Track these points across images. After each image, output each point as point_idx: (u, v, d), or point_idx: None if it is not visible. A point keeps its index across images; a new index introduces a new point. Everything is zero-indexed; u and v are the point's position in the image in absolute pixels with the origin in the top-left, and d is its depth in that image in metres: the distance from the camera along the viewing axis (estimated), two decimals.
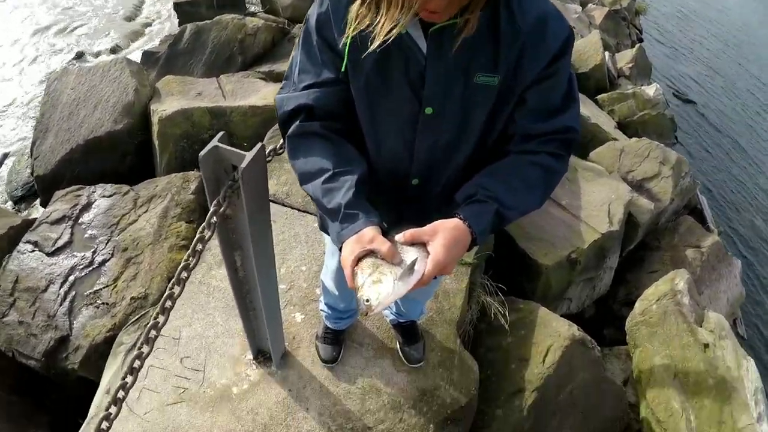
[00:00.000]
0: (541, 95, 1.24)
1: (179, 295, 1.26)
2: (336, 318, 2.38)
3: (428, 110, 1.24)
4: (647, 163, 5.00)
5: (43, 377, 2.99)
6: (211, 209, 1.23)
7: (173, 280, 1.26)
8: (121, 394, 1.29)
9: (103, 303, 2.95)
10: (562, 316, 3.86)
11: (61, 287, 3.04)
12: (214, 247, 2.81)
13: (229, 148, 1.20)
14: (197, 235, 1.24)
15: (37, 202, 4.77)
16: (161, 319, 1.28)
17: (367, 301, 1.07)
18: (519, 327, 3.06)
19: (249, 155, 1.19)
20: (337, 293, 2.12)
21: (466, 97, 1.22)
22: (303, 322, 2.61)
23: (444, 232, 1.13)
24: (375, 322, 2.64)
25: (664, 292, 3.47)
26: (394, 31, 1.05)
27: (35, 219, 3.51)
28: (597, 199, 4.20)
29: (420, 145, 1.31)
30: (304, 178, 1.27)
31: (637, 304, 3.59)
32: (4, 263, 3.18)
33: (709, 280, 4.55)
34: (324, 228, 1.72)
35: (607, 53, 7.45)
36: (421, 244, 1.14)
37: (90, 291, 3.01)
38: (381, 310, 1.10)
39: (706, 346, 3.11)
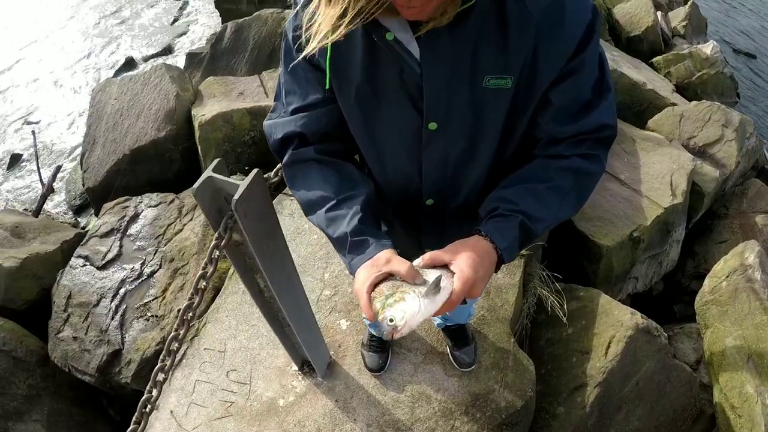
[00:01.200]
0: (567, 93, 1.07)
1: (184, 336, 1.18)
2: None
3: (432, 125, 1.10)
4: (709, 128, 4.69)
5: (101, 390, 3.04)
6: (212, 243, 1.15)
7: (177, 321, 1.18)
8: (148, 408, 1.23)
9: (152, 315, 2.98)
10: (628, 295, 3.75)
11: (112, 301, 3.08)
12: None
13: (222, 178, 1.11)
14: (199, 272, 1.16)
15: (87, 214, 4.97)
16: (170, 357, 1.21)
17: (391, 321, 0.93)
18: (579, 317, 2.92)
19: (242, 185, 1.09)
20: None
21: (474, 106, 1.07)
22: (348, 329, 2.54)
23: (466, 251, 0.99)
24: (423, 325, 2.53)
25: (734, 267, 3.22)
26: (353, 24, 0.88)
27: (87, 231, 3.58)
28: (658, 171, 3.97)
29: (428, 163, 1.18)
30: (308, 209, 1.17)
31: (705, 282, 3.35)
32: (58, 278, 3.24)
33: None
34: None
35: (659, 13, 7.06)
36: (443, 266, 1.00)
37: (140, 303, 3.03)
38: (407, 332, 0.95)
39: None
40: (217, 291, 2.86)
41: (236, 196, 1.08)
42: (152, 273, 3.14)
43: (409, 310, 0.93)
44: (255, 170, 1.14)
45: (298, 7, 1.07)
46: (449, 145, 1.14)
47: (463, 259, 0.98)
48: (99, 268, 3.22)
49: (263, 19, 5.63)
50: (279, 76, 1.20)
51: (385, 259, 1.01)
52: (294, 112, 1.16)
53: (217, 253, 1.15)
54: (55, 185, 5.36)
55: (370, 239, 1.06)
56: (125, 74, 6.55)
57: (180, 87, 4.28)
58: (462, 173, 1.21)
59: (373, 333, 2.36)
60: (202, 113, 3.89)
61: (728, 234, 4.24)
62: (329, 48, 1.02)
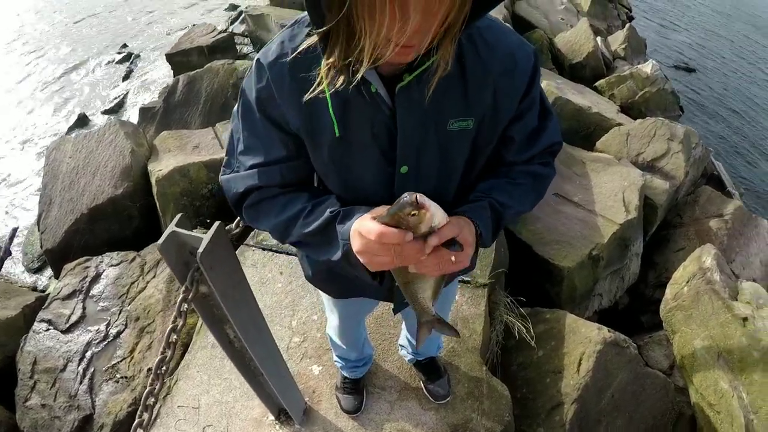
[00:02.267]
0: (524, 126, 1.22)
1: (160, 390, 1.18)
2: (351, 368, 2.31)
3: (403, 169, 1.15)
4: (656, 143, 4.89)
5: None
6: (180, 297, 1.16)
7: (151, 376, 1.18)
8: None
9: (122, 377, 2.91)
10: (595, 312, 3.82)
11: (79, 365, 3.00)
12: None
13: (186, 232, 1.13)
14: (170, 326, 1.17)
15: (46, 276, 4.81)
16: (146, 414, 1.20)
17: (410, 199, 0.91)
18: (547, 338, 2.97)
19: (206, 238, 1.11)
20: (343, 345, 2.06)
21: (441, 147, 1.15)
22: (321, 374, 2.53)
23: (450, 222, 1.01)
24: (395, 362, 2.55)
25: (693, 272, 3.34)
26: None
27: (48, 294, 3.50)
28: (610, 189, 4.11)
29: None
30: (283, 231, 1.18)
31: (667, 290, 3.47)
32: (21, 344, 3.16)
33: (738, 247, 4.41)
34: (313, 280, 1.62)
35: (598, 38, 7.40)
36: None
37: (108, 365, 2.96)
38: (432, 208, 0.93)
39: (745, 319, 2.97)
40: (185, 347, 2.82)
41: (200, 249, 1.10)
42: (118, 333, 3.08)
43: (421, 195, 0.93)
44: (217, 223, 1.16)
45: (263, 65, 1.10)
46: (419, 186, 1.14)
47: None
48: (63, 332, 3.15)
49: (215, 70, 5.68)
50: (231, 131, 1.21)
51: (377, 209, 1.03)
52: (252, 167, 1.17)
53: (186, 306, 1.16)
54: (12, 248, 5.24)
55: (356, 208, 1.10)
56: (79, 132, 6.51)
57: (135, 143, 4.26)
58: None
59: (346, 375, 2.36)
60: (159, 168, 3.88)
61: (685, 241, 4.38)
62: (329, 97, 1.04)
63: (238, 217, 1.27)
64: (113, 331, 3.10)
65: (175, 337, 1.19)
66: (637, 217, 3.96)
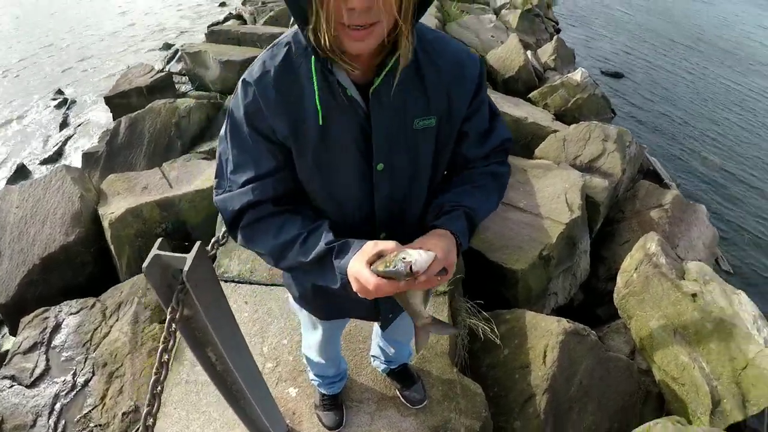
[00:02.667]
0: (477, 125, 1.37)
1: (158, 409, 1.22)
2: (328, 384, 2.36)
3: (380, 166, 1.27)
4: (591, 145, 5.14)
5: None
6: (168, 317, 1.22)
7: (148, 395, 1.22)
8: None
9: (95, 425, 2.86)
10: (552, 311, 3.93)
11: (49, 418, 2.92)
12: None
13: (169, 254, 1.19)
14: (161, 346, 1.22)
15: (6, 330, 4.64)
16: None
17: (404, 259, 1.04)
18: (511, 337, 3.07)
19: (189, 257, 1.18)
20: (323, 361, 2.11)
21: (410, 144, 1.28)
22: (298, 395, 2.56)
23: (431, 239, 1.18)
24: (368, 376, 2.61)
25: (640, 259, 3.54)
26: None
27: (7, 351, 3.40)
28: (552, 192, 4.28)
29: (380, 200, 1.33)
30: (278, 255, 1.26)
31: (618, 279, 3.65)
32: None
33: (680, 233, 4.66)
34: (301, 302, 1.72)
35: (528, 52, 7.69)
36: None
37: (80, 416, 2.90)
38: (422, 267, 1.05)
39: (695, 295, 3.18)
40: None
41: (186, 268, 1.15)
42: (86, 382, 3.02)
43: (413, 252, 1.05)
44: (198, 243, 1.22)
45: (249, 82, 1.20)
46: (394, 181, 1.31)
47: (431, 242, 1.17)
48: (28, 387, 3.07)
49: (156, 110, 5.68)
50: (219, 153, 1.30)
51: (371, 245, 1.13)
52: (246, 183, 1.25)
53: (174, 326, 1.20)
54: None
55: (350, 240, 1.20)
56: (24, 181, 6.37)
57: (83, 188, 4.21)
58: (407, 203, 1.38)
59: (324, 392, 2.41)
60: (111, 211, 3.84)
61: (629, 234, 4.60)
62: (317, 95, 1.17)
63: (213, 239, 1.33)
64: (81, 380, 3.04)
65: (167, 356, 1.23)
66: (581, 216, 4.13)
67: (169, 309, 1.23)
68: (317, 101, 1.18)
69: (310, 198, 1.35)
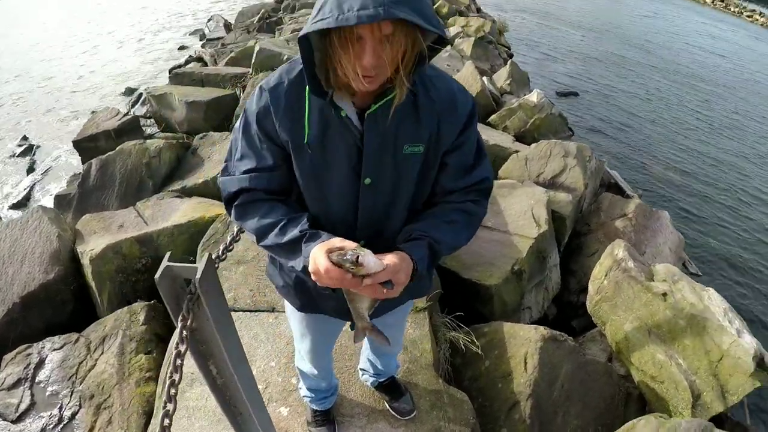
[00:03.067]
0: (459, 158, 1.50)
1: (173, 413, 1.30)
2: (320, 399, 2.43)
3: (367, 180, 1.43)
4: (552, 162, 5.34)
5: None
6: (179, 324, 1.30)
7: (164, 398, 1.30)
8: None
9: None
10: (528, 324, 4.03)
11: None
12: (183, 369, 2.81)
13: (180, 264, 1.28)
14: (173, 351, 1.30)
15: None
16: (176, 377, 1.33)
17: (357, 254, 1.21)
18: (491, 348, 3.18)
19: (200, 266, 1.27)
20: (315, 372, 2.19)
21: (397, 166, 1.43)
22: (290, 414, 2.62)
23: (390, 255, 1.31)
24: (357, 391, 2.69)
25: (609, 265, 3.69)
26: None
27: None
28: (519, 209, 4.44)
29: (363, 211, 1.48)
30: (260, 234, 1.45)
31: (590, 287, 3.80)
32: None
33: (647, 239, 4.87)
34: (282, 291, 1.85)
35: (484, 78, 7.93)
36: None
37: None
38: (369, 265, 1.22)
39: (665, 294, 3.32)
40: (148, 416, 2.85)
41: (198, 275, 1.25)
42: (74, 415, 3.02)
43: (367, 254, 1.23)
44: (206, 254, 1.31)
45: (264, 89, 1.41)
46: (377, 196, 1.47)
47: (388, 257, 1.30)
48: (14, 422, 3.05)
49: (126, 151, 5.71)
50: (231, 142, 1.53)
51: (338, 240, 1.30)
52: (245, 172, 1.47)
53: (185, 332, 1.29)
54: None
55: (321, 232, 1.37)
56: (3, 220, 6.34)
57: (59, 227, 4.24)
58: (387, 217, 1.52)
59: (316, 408, 2.48)
60: (90, 248, 3.88)
61: (596, 245, 4.77)
62: (307, 114, 1.38)
63: (227, 214, 1.54)
64: (68, 413, 3.03)
65: (180, 361, 1.31)
66: (549, 230, 4.30)
67: (180, 317, 1.31)
68: (306, 121, 1.37)
69: (304, 198, 1.52)
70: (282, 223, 1.41)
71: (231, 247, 1.89)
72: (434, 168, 1.50)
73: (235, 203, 1.50)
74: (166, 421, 1.28)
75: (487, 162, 1.57)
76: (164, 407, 1.29)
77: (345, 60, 1.23)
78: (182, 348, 1.30)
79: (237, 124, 1.50)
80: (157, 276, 1.27)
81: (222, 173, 1.55)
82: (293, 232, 1.38)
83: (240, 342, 1.66)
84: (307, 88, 1.35)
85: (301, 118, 1.39)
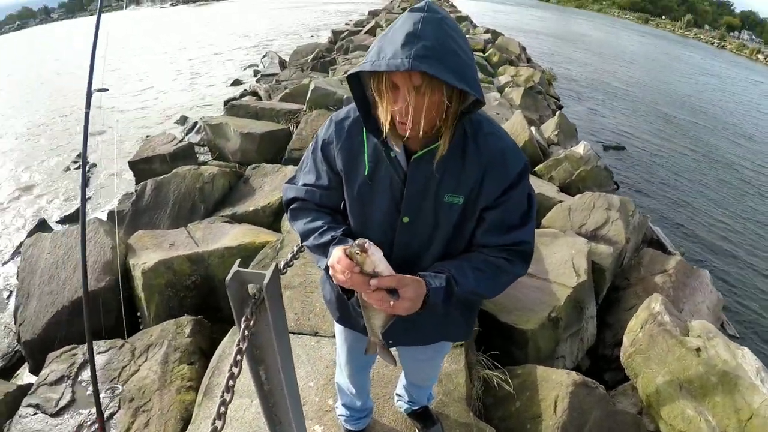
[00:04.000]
0: (498, 215, 1.54)
1: (230, 402, 1.41)
2: (355, 419, 2.52)
3: (405, 219, 1.56)
4: (595, 214, 5.37)
5: None
6: (242, 324, 1.42)
7: (222, 389, 1.41)
8: None
9: None
10: None
11: None
12: (223, 381, 2.91)
13: (249, 270, 1.40)
14: (235, 348, 1.42)
15: (21, 371, 4.69)
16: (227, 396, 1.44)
17: (363, 239, 1.36)
18: (523, 390, 3.20)
19: (268, 273, 1.39)
20: (353, 390, 2.28)
21: (435, 212, 1.53)
22: None
23: (405, 274, 1.41)
24: (390, 417, 2.76)
25: (645, 318, 3.69)
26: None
27: (32, 384, 3.50)
28: (560, 259, 4.47)
29: (398, 246, 1.61)
30: (304, 235, 1.65)
31: (624, 339, 3.79)
32: (6, 429, 3.15)
33: (685, 297, 4.82)
34: (327, 302, 2.00)
35: (532, 128, 8.04)
36: None
37: None
38: (375, 257, 1.35)
39: (698, 350, 3.30)
40: (186, 421, 2.95)
41: (266, 281, 1.37)
42: (111, 415, 3.12)
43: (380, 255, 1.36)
44: (274, 263, 1.44)
45: (333, 121, 1.63)
46: (414, 236, 1.58)
47: (402, 274, 1.41)
48: (52, 415, 3.17)
49: (181, 175, 5.96)
50: (304, 158, 1.76)
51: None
52: (304, 185, 1.71)
53: (248, 332, 1.40)
54: None
55: (350, 240, 1.50)
56: (56, 230, 6.59)
57: (114, 240, 4.44)
58: (419, 257, 1.62)
59: (349, 428, 2.55)
60: (143, 262, 4.06)
61: (634, 299, 4.74)
62: (366, 150, 1.54)
63: (285, 212, 1.80)
64: (106, 413, 3.12)
65: (239, 357, 1.42)
66: (588, 281, 4.32)
67: (244, 318, 1.43)
68: (365, 156, 1.53)
69: (350, 222, 1.69)
70: (322, 229, 1.59)
71: (292, 263, 2.02)
72: (472, 220, 1.56)
73: (291, 206, 1.74)
74: (223, 409, 1.39)
75: (531, 227, 1.59)
76: (222, 396, 1.40)
77: (382, 104, 1.36)
78: (243, 346, 1.42)
79: (311, 144, 1.71)
80: (227, 278, 1.39)
81: (288, 180, 1.80)
82: (328, 236, 1.56)
83: (291, 351, 1.77)
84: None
85: (359, 151, 1.55)
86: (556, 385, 3.11)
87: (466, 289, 1.48)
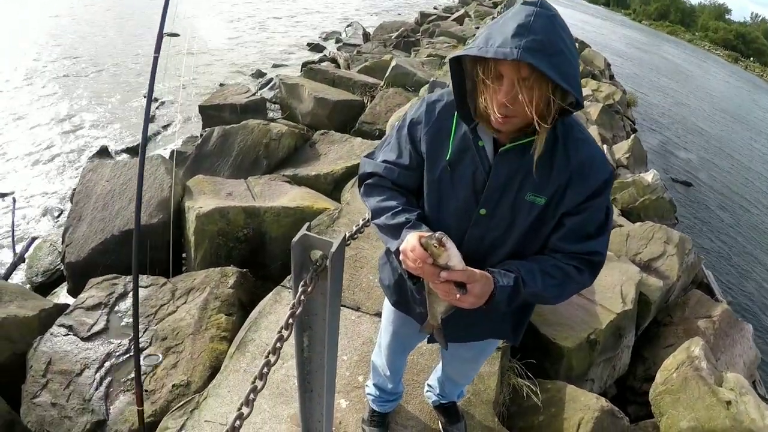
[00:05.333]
0: (577, 222, 1.51)
1: (276, 362, 1.42)
2: (383, 401, 2.51)
3: (482, 211, 1.53)
4: (653, 245, 5.24)
5: None
6: (300, 289, 1.42)
7: (269, 350, 1.41)
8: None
9: (143, 390, 2.98)
10: None
11: (96, 372, 3.10)
12: (258, 338, 2.96)
13: (317, 236, 1.41)
14: (288, 312, 1.42)
15: (58, 289, 4.86)
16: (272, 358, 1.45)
17: (442, 233, 1.33)
18: (549, 405, 3.16)
19: (336, 242, 1.39)
20: (388, 372, 2.28)
21: (514, 207, 1.50)
22: (348, 408, 2.71)
23: (476, 268, 1.40)
24: (417, 405, 2.76)
25: (682, 360, 3.60)
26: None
27: (68, 305, 3.59)
28: (609, 282, 4.38)
29: (470, 238, 1.57)
30: (376, 213, 1.61)
31: (657, 375, 3.70)
32: (35, 344, 3.23)
33: (724, 346, 4.69)
34: (383, 284, 1.98)
35: (605, 146, 7.88)
36: None
37: (127, 378, 3.07)
38: (451, 252, 1.33)
39: (729, 403, 3.21)
40: (215, 370, 2.99)
41: (333, 249, 1.37)
42: (141, 349, 3.15)
43: (455, 250, 1.34)
44: (344, 232, 1.43)
45: (425, 102, 1.60)
46: (488, 230, 1.56)
47: (473, 267, 1.39)
48: (84, 339, 3.25)
49: (250, 128, 6.03)
50: (387, 135, 1.72)
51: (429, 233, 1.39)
52: (384, 161, 1.67)
53: (304, 297, 1.41)
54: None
55: (424, 226, 1.51)
56: (118, 159, 6.76)
57: (173, 179, 4.51)
58: (490, 254, 1.59)
59: (375, 409, 2.55)
60: (199, 206, 4.13)
61: (674, 339, 4.63)
62: (453, 135, 1.53)
63: (358, 187, 1.76)
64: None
65: (291, 321, 1.42)
66: (632, 310, 4.22)
67: (302, 283, 1.43)
68: (451, 142, 1.51)
69: (424, 207, 1.65)
70: (397, 210, 1.55)
71: (356, 236, 2.02)
72: (550, 223, 1.53)
73: (367, 181, 1.70)
74: (266, 369, 1.40)
75: (605, 239, 1.57)
76: (266, 356, 1.41)
77: (486, 93, 1.34)
78: (297, 310, 1.42)
79: (397, 122, 1.68)
80: (294, 240, 1.40)
81: (367, 155, 1.76)
82: (401, 218, 1.52)
83: (338, 324, 1.77)
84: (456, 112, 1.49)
85: (446, 137, 1.53)
86: (583, 407, 3.06)
87: (532, 292, 1.47)
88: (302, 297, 1.42)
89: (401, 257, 1.42)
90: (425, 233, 1.36)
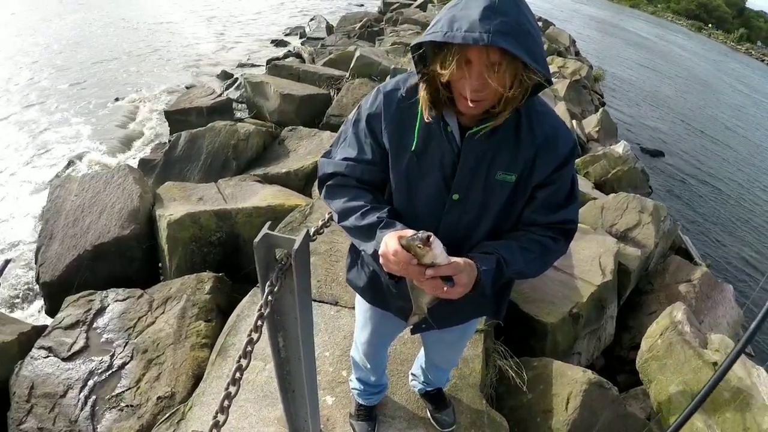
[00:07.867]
0: (548, 194, 1.52)
1: (245, 368, 1.39)
2: (368, 394, 2.49)
3: (455, 196, 1.50)
4: (628, 215, 5.29)
5: None
6: (267, 289, 1.39)
7: (240, 354, 1.38)
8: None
9: (127, 405, 2.96)
10: None
11: (80, 392, 3.03)
12: (238, 342, 2.92)
13: (279, 234, 1.38)
14: (256, 314, 1.39)
15: (35, 309, 4.80)
16: (244, 362, 1.42)
17: (425, 232, 1.26)
18: (537, 382, 3.17)
19: (298, 239, 1.36)
20: (368, 365, 2.25)
21: (486, 189, 1.49)
22: (334, 404, 2.69)
23: (459, 257, 1.37)
24: (403, 395, 2.74)
25: (666, 326, 3.62)
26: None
27: (46, 326, 3.52)
28: (587, 255, 4.41)
29: (445, 225, 1.55)
30: (342, 215, 1.55)
31: (642, 343, 3.72)
32: (17, 369, 3.16)
33: (706, 309, 4.77)
34: (354, 282, 1.92)
35: (574, 121, 7.94)
36: None
37: (111, 394, 3.01)
38: (437, 248, 1.27)
39: (715, 364, 3.23)
40: (197, 379, 2.95)
41: (296, 246, 1.34)
42: (123, 364, 3.14)
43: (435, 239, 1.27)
44: (305, 229, 1.40)
45: (381, 92, 1.54)
46: (463, 214, 1.53)
47: (457, 257, 1.36)
48: (64, 360, 3.19)
49: (216, 130, 5.96)
50: (341, 131, 1.66)
51: (411, 231, 1.33)
52: (344, 159, 1.59)
53: (271, 297, 1.37)
54: None
55: (397, 222, 1.45)
56: (86, 172, 6.63)
57: (142, 188, 4.45)
58: (467, 237, 1.57)
59: (361, 402, 2.54)
60: (169, 213, 4.06)
61: (656, 305, 4.69)
62: (418, 124, 1.47)
63: (318, 191, 1.67)
64: (118, 361, 3.16)
65: (259, 323, 1.39)
66: (613, 281, 4.25)
67: (269, 283, 1.40)
68: (416, 131, 1.46)
69: (393, 200, 1.60)
70: (365, 209, 1.50)
71: (322, 231, 1.98)
72: (522, 199, 1.52)
73: (328, 183, 1.62)
74: (238, 374, 1.37)
75: (576, 207, 1.59)
76: (238, 361, 1.38)
77: (454, 79, 1.30)
78: (265, 311, 1.39)
79: (350, 116, 1.61)
80: (256, 240, 1.37)
81: (324, 155, 1.67)
82: (372, 218, 1.46)
83: (312, 321, 1.74)
84: (419, 100, 1.43)
85: (410, 126, 1.48)
86: (570, 381, 3.07)
87: (514, 270, 1.47)
88: (269, 297, 1.40)
89: (382, 261, 1.36)
90: (403, 232, 1.33)
